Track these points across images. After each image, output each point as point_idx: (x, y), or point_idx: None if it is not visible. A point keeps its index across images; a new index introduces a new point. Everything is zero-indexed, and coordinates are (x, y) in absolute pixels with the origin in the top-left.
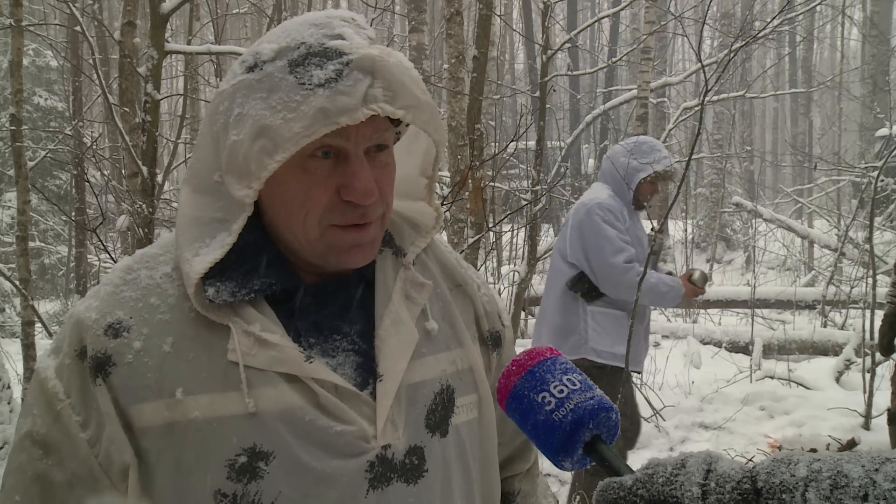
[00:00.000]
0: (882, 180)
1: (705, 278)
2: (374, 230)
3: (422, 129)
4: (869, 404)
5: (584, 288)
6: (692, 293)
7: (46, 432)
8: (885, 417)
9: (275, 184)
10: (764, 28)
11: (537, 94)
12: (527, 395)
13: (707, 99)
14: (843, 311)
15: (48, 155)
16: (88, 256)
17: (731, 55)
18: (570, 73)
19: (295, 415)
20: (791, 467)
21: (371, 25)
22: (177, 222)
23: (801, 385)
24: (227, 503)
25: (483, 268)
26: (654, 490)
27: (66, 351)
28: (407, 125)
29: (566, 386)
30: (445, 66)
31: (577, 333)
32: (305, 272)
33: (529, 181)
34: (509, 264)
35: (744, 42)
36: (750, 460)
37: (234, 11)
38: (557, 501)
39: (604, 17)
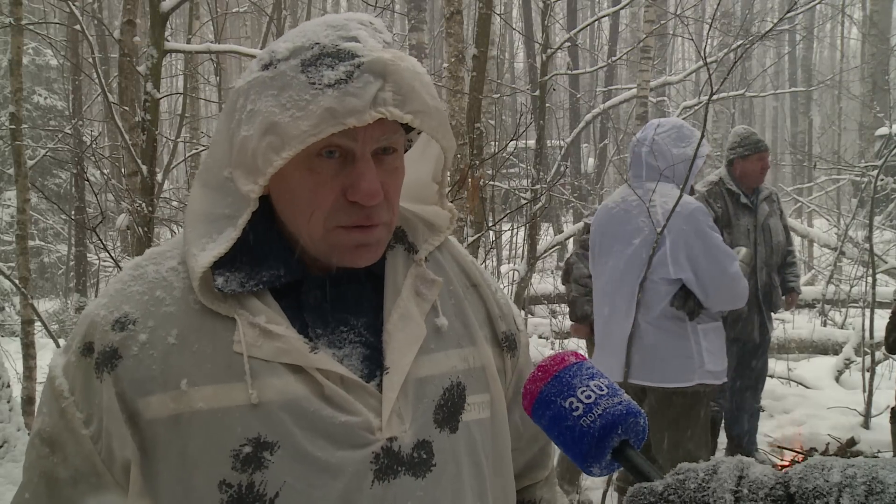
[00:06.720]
0: (882, 179)
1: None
2: (380, 232)
3: (430, 135)
4: (868, 403)
5: (692, 305)
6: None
7: (52, 430)
8: (884, 416)
9: (282, 181)
10: (770, 29)
11: (537, 93)
12: (554, 401)
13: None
14: (843, 309)
15: (48, 154)
16: (88, 255)
17: (739, 56)
18: (569, 72)
19: (299, 405)
20: (825, 473)
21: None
22: (185, 218)
23: (800, 384)
24: (233, 493)
25: (483, 267)
26: (686, 496)
27: (73, 349)
28: (419, 133)
29: (594, 391)
30: (445, 65)
31: (688, 357)
32: (313, 266)
33: (529, 180)
34: (509, 263)
35: (749, 42)
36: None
37: (233, 10)
38: None
39: (603, 17)
